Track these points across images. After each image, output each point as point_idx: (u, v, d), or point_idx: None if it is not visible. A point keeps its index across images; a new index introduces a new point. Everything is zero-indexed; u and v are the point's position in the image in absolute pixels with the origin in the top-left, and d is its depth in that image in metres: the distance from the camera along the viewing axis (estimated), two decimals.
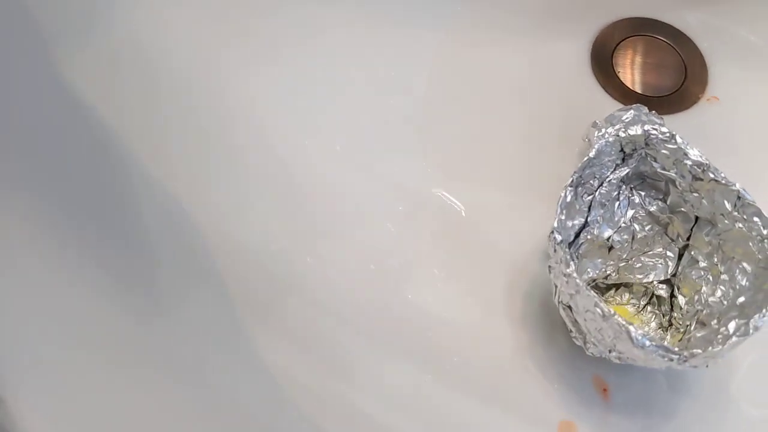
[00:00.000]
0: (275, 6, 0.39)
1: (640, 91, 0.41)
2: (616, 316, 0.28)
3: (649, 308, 0.34)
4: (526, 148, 0.38)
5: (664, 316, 0.33)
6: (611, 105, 0.40)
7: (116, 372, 0.28)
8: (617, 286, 0.34)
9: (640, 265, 0.34)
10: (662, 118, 0.35)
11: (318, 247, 0.34)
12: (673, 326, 0.33)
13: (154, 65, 0.36)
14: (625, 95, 0.40)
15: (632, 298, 0.34)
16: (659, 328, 0.33)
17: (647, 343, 0.28)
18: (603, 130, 0.35)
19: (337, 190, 0.36)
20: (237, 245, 0.33)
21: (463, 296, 0.34)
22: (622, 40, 0.42)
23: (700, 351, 0.27)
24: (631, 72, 0.41)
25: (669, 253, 0.34)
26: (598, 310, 0.28)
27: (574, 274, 0.29)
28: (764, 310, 0.28)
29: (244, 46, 0.38)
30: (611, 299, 0.34)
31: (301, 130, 0.37)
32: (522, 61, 0.41)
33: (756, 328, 0.28)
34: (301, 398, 0.30)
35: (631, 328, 0.28)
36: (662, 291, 0.34)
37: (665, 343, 0.28)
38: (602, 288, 0.34)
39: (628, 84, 0.41)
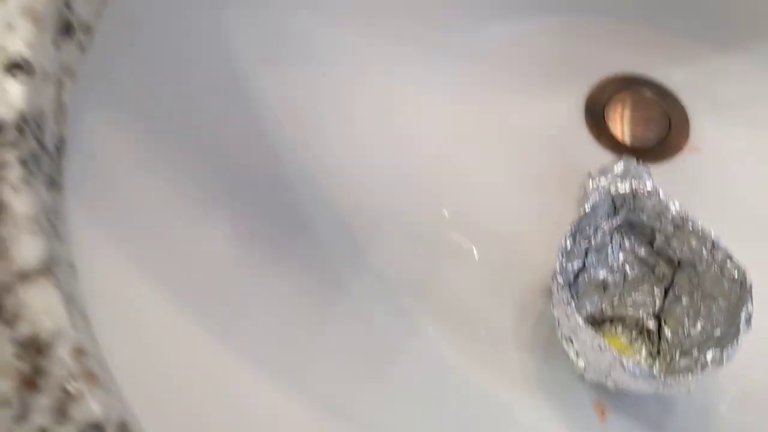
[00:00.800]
0: None
1: (629, 143, 0.45)
2: (611, 349, 0.33)
3: (640, 339, 0.39)
4: (528, 194, 0.43)
5: (653, 345, 0.38)
6: (603, 155, 0.45)
7: None
8: (612, 320, 0.39)
9: (631, 301, 0.39)
10: (649, 169, 0.40)
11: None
12: (661, 354, 0.38)
13: None
14: (615, 146, 0.45)
15: (625, 330, 0.39)
16: (649, 356, 0.38)
17: (637, 371, 0.32)
18: (597, 179, 0.40)
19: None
20: None
21: (474, 327, 0.39)
22: (613, 95, 0.47)
23: (681, 378, 0.32)
24: (621, 125, 0.46)
25: (656, 291, 0.38)
26: (596, 344, 0.33)
27: (575, 314, 0.34)
28: (735, 341, 0.33)
29: None
30: (607, 331, 0.39)
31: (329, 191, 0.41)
32: (524, 116, 0.46)
33: (729, 358, 0.32)
34: None
35: (624, 359, 0.32)
36: (651, 324, 0.38)
37: (653, 371, 0.32)
38: (599, 321, 0.39)
39: (618, 136, 0.46)
